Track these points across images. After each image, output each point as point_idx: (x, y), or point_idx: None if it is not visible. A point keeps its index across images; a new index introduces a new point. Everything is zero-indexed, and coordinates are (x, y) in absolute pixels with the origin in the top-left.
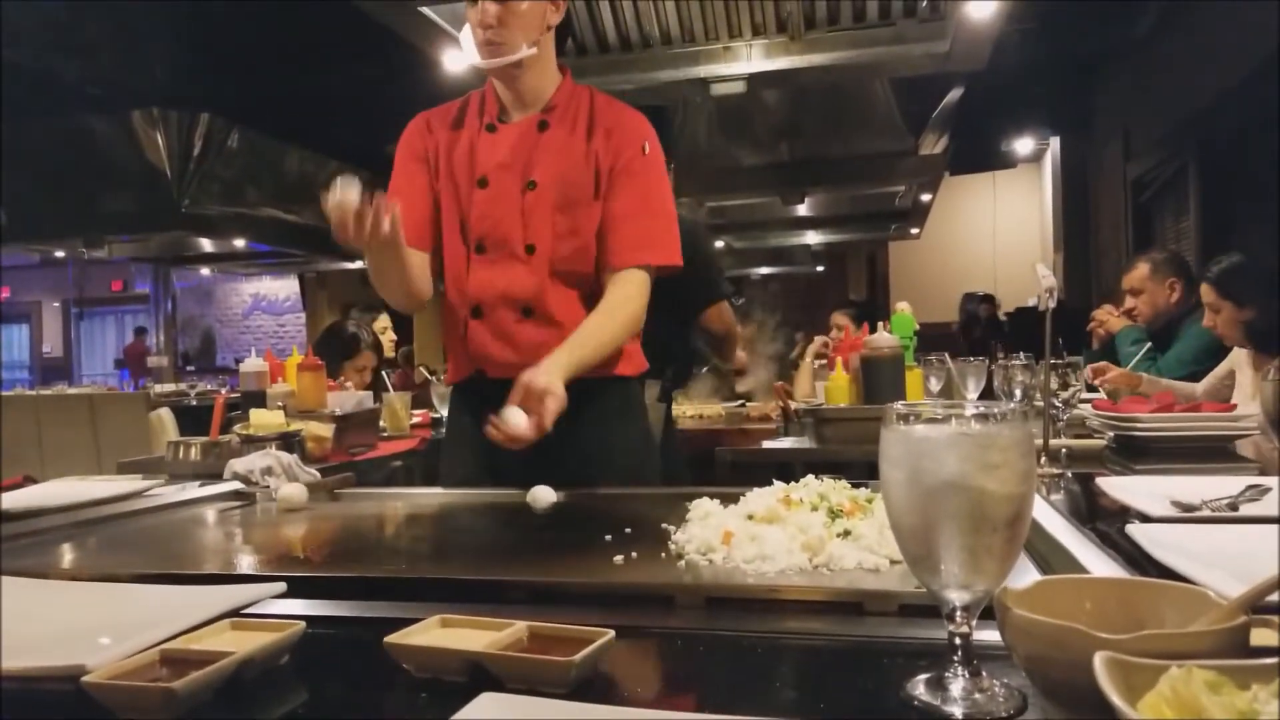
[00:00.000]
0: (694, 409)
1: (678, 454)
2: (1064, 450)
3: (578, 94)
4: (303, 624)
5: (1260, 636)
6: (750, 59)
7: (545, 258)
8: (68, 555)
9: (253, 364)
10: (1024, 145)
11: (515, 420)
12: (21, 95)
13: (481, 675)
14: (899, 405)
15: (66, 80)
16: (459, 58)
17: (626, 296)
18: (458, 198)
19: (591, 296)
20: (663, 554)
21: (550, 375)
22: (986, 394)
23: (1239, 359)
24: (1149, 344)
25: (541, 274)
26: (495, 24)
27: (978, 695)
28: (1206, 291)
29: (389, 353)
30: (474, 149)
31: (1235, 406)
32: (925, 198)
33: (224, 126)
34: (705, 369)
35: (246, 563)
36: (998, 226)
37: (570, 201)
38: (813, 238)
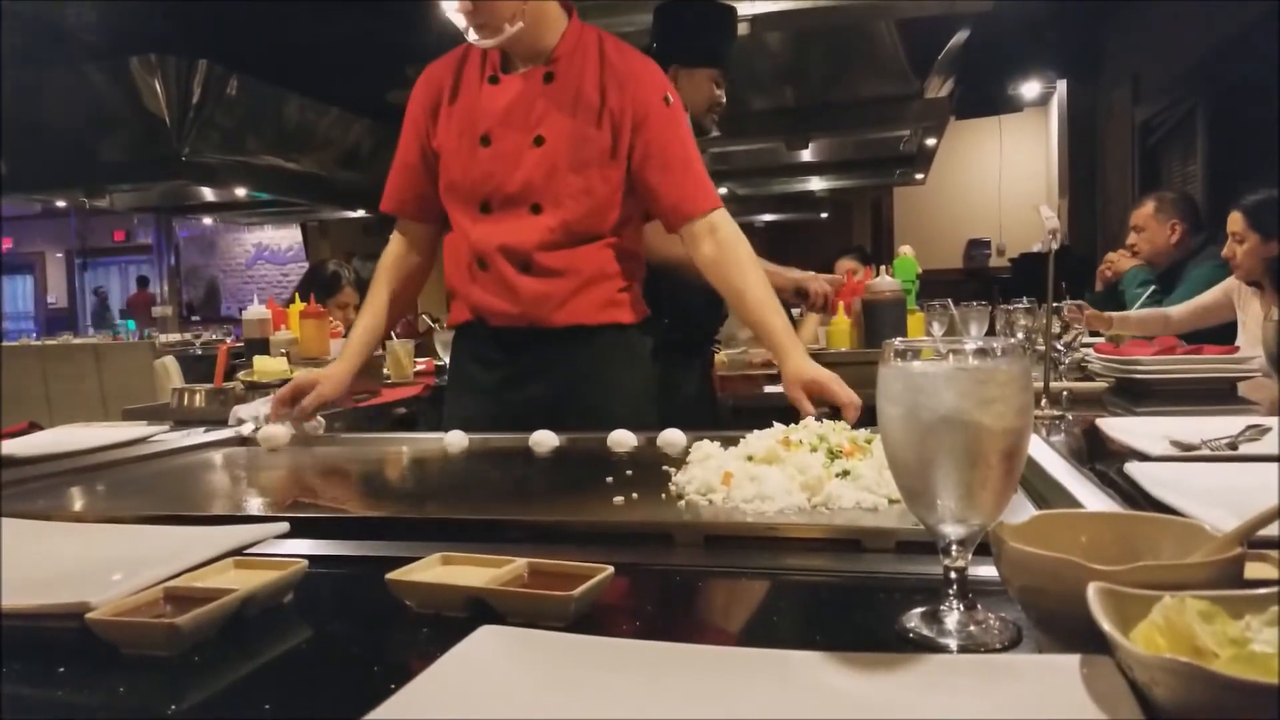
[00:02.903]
0: None
1: (719, 406)
2: (1065, 393)
3: (585, 39)
4: (305, 562)
5: (1255, 569)
6: (754, 1)
7: (555, 217)
8: (72, 499)
9: (256, 312)
10: (1030, 89)
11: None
12: (20, 42)
13: (482, 611)
14: (897, 342)
15: (64, 27)
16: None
17: (737, 237)
18: (460, 154)
19: (598, 249)
20: (663, 495)
21: (807, 364)
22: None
23: (1241, 297)
24: (1154, 286)
25: (546, 232)
26: (472, 8)
27: (973, 628)
28: (1235, 220)
29: None
30: (476, 103)
31: (1238, 349)
32: (930, 142)
33: (223, 74)
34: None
35: (250, 504)
36: (1003, 172)
37: (583, 161)
38: (817, 184)
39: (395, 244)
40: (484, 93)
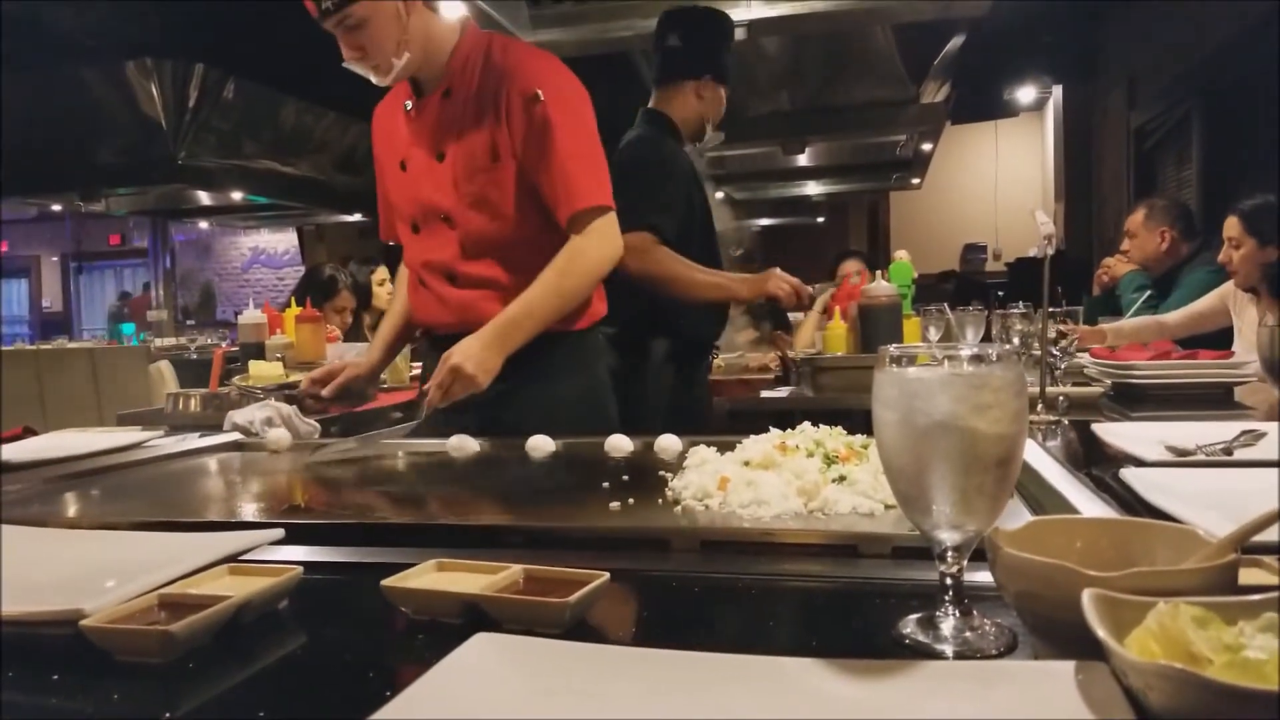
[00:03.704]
0: None
1: (710, 410)
2: (1061, 398)
3: (475, 50)
4: (300, 569)
5: (1250, 575)
6: (750, 5)
7: (461, 228)
8: (67, 505)
9: (251, 316)
10: (1026, 94)
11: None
12: (14, 46)
13: (478, 617)
14: (892, 347)
15: (59, 31)
16: (450, 8)
17: (579, 249)
18: (391, 179)
19: (517, 260)
20: (659, 500)
21: (465, 352)
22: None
23: (1237, 303)
24: (1150, 291)
25: (458, 243)
26: (360, 55)
27: (968, 634)
28: (1232, 225)
29: (386, 305)
30: (396, 131)
31: (1234, 353)
32: (926, 147)
33: (219, 77)
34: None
35: (245, 510)
36: (999, 176)
37: (472, 169)
38: (813, 188)
39: (406, 266)
40: (400, 120)
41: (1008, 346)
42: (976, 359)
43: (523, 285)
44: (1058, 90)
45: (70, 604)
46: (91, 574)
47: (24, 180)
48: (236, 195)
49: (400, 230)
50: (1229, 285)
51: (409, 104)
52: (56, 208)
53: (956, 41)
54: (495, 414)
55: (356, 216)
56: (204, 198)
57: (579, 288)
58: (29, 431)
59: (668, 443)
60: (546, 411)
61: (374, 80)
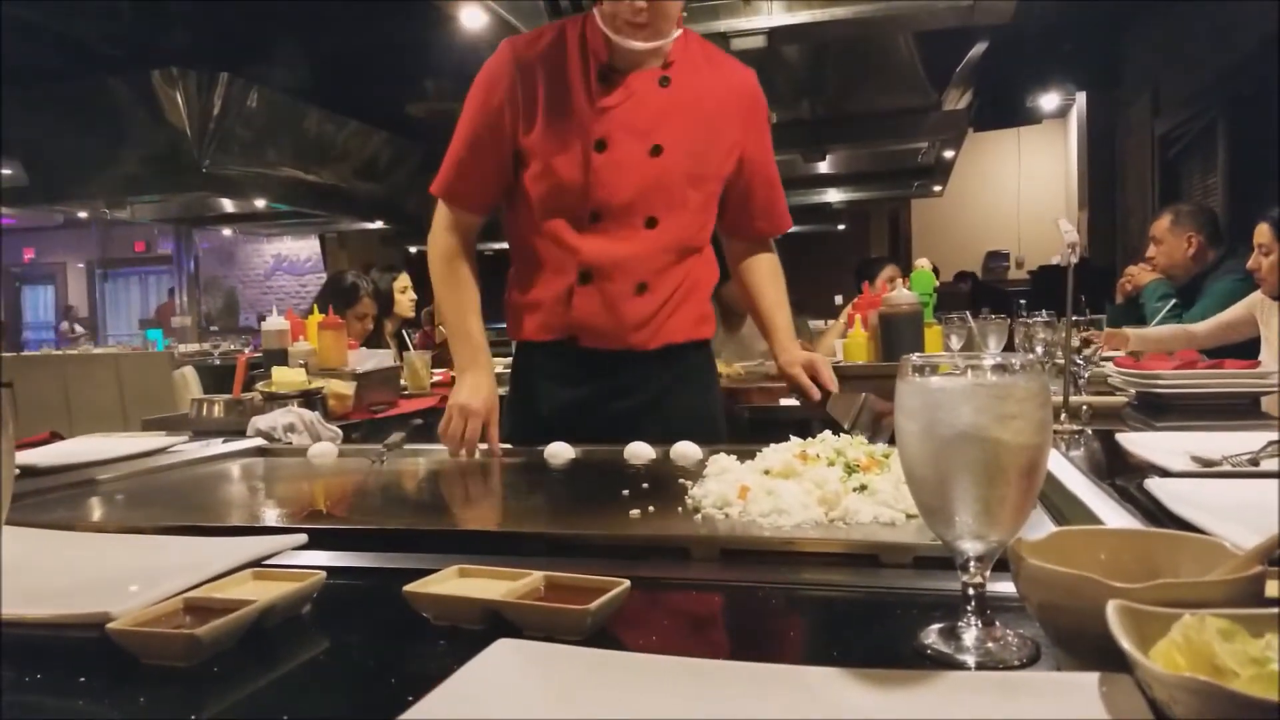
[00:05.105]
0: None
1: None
2: (1085, 407)
3: (690, 43)
4: (323, 574)
5: (1276, 588)
6: (771, 13)
7: (668, 232)
8: (92, 509)
9: (274, 322)
10: (1049, 101)
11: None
12: (41, 56)
13: (499, 623)
14: (915, 357)
15: (86, 41)
16: (477, 15)
17: (778, 267)
18: (564, 155)
19: (695, 261)
20: (679, 509)
21: (801, 351)
22: (1008, 352)
23: (1264, 312)
24: (1175, 300)
25: (660, 249)
26: (644, 21)
27: (990, 644)
28: (1262, 232)
29: (408, 313)
30: (586, 103)
31: (1260, 363)
32: (948, 154)
33: (243, 86)
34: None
35: (268, 515)
36: (1022, 184)
37: (701, 176)
38: (834, 195)
39: (453, 235)
40: (595, 92)
41: (1031, 356)
42: (1000, 369)
43: (692, 293)
44: (1081, 97)
45: (97, 607)
46: (117, 578)
47: (50, 188)
48: (260, 203)
49: (552, 218)
50: (1257, 295)
51: (608, 76)
52: (82, 215)
53: (979, 48)
54: (642, 424)
55: (378, 224)
56: (227, 205)
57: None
58: (55, 436)
59: (687, 450)
60: (690, 421)
61: (628, 40)
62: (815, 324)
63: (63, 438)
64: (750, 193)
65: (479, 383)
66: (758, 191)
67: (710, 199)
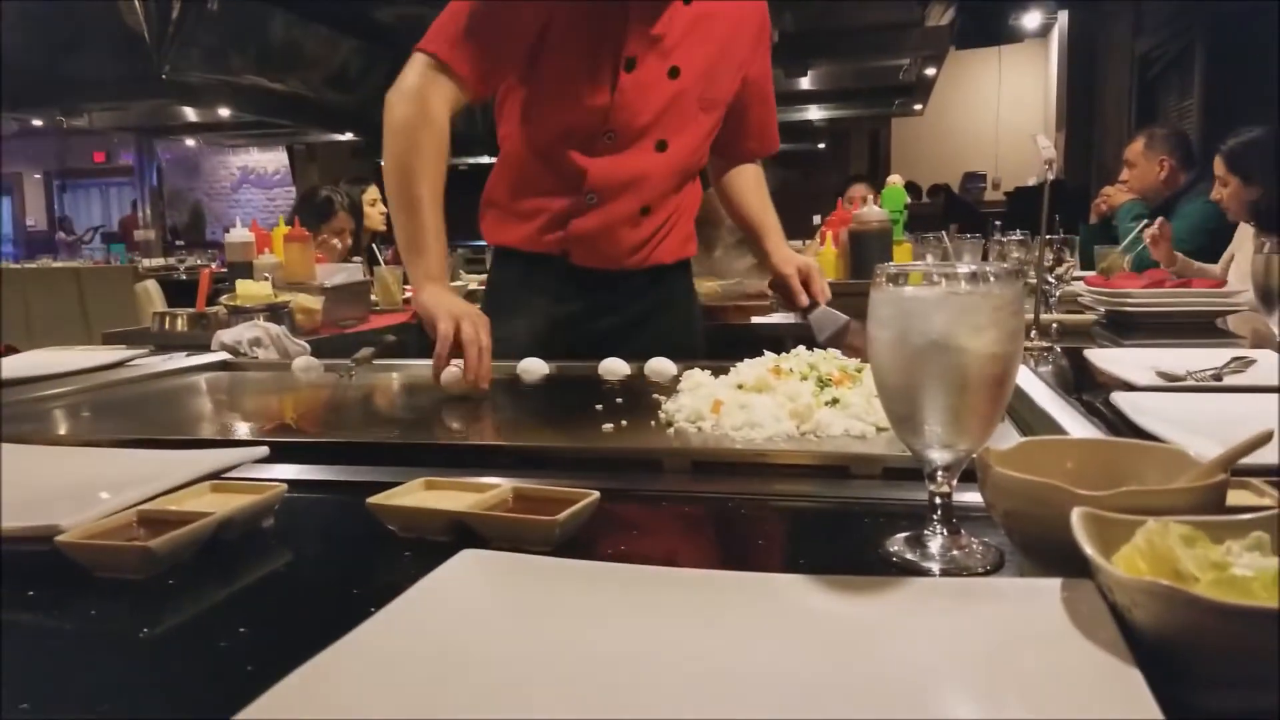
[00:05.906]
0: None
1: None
2: (1055, 325)
3: None
4: (284, 486)
5: (1238, 496)
6: None
7: (676, 155)
8: (50, 423)
9: (239, 234)
10: (1031, 19)
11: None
12: None
13: (466, 535)
14: (890, 266)
15: None
16: None
17: (762, 176)
18: (593, 71)
19: (691, 185)
20: (652, 423)
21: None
22: None
23: (1244, 236)
24: (1147, 220)
25: (669, 172)
26: None
27: (955, 552)
28: (1217, 164)
29: (379, 226)
30: (615, 16)
31: (1226, 282)
32: (929, 72)
33: None
34: None
35: (230, 428)
36: (1001, 106)
37: (712, 100)
38: (815, 113)
39: (431, 105)
40: (633, 9)
41: (1005, 265)
42: (973, 278)
43: (683, 214)
44: (1063, 16)
45: (47, 519)
46: (70, 490)
47: (4, 93)
48: (224, 112)
49: (563, 131)
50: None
51: None
52: (38, 122)
53: None
54: (625, 340)
55: (348, 136)
56: (190, 114)
57: None
58: (10, 350)
59: (662, 366)
60: (670, 339)
61: None
62: (793, 244)
63: (19, 351)
64: (745, 111)
65: (453, 302)
66: (753, 110)
67: (717, 123)
